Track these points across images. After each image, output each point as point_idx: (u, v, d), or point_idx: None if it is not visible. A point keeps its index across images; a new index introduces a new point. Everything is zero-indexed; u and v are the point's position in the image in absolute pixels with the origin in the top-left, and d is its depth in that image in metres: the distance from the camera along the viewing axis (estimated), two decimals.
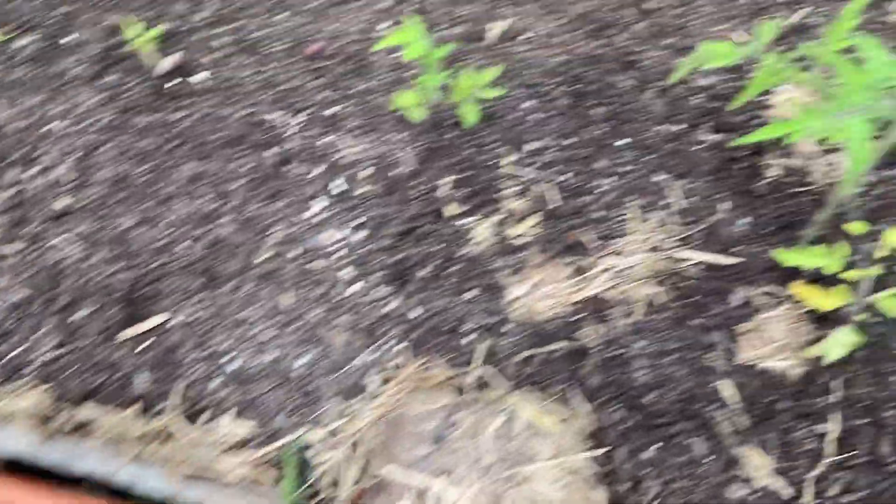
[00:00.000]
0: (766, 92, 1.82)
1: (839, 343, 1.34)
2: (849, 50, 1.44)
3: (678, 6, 2.00)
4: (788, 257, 1.30)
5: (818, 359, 1.43)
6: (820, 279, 1.46)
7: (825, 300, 1.32)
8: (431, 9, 2.00)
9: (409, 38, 1.46)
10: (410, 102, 1.55)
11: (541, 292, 1.64)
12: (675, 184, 1.75)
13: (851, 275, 1.31)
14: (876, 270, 1.30)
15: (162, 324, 1.67)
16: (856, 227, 1.30)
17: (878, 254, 1.29)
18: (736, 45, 1.31)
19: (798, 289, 1.37)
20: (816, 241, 1.59)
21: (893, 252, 1.41)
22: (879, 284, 1.47)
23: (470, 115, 1.59)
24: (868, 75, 1.02)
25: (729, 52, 1.30)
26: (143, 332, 1.66)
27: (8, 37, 1.92)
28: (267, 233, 1.75)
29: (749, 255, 1.63)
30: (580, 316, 1.62)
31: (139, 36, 1.75)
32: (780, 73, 1.22)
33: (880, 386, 1.43)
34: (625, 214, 1.72)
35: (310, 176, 1.79)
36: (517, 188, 1.76)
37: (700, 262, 1.63)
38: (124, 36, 1.78)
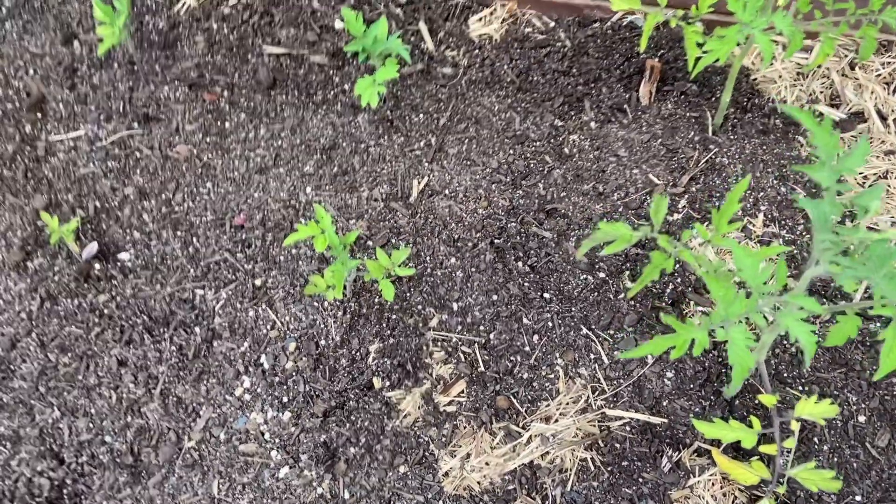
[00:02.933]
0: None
1: None
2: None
3: (594, 149, 2.06)
4: (708, 430, 1.30)
5: None
6: (741, 449, 1.46)
7: (746, 475, 1.31)
8: (355, 169, 2.04)
9: (315, 231, 1.48)
10: (324, 286, 1.56)
11: (472, 463, 1.62)
12: (601, 337, 1.76)
13: (767, 449, 1.31)
14: (790, 444, 1.31)
15: None
16: (768, 400, 1.30)
17: (792, 426, 1.29)
18: (631, 228, 1.34)
19: (720, 460, 1.36)
20: (738, 396, 1.59)
21: (806, 423, 1.42)
22: (804, 453, 1.47)
23: (387, 292, 1.60)
24: (733, 294, 1.04)
25: (627, 235, 1.33)
26: None
27: None
28: (196, 416, 1.72)
29: (676, 413, 1.63)
30: (513, 487, 1.59)
31: (57, 229, 1.75)
32: (669, 261, 1.24)
33: None
34: (552, 374, 1.72)
35: (237, 353, 1.78)
36: (443, 353, 1.76)
37: (630, 422, 1.63)
38: (48, 228, 1.80)
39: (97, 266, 1.89)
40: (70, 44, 2.23)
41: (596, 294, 1.83)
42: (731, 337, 1.06)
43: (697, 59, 1.71)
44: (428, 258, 1.90)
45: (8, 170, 2.02)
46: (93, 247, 1.85)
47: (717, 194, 1.93)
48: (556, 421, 1.65)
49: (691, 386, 1.66)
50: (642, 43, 1.77)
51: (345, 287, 1.76)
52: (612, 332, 1.77)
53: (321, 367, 1.76)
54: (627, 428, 1.63)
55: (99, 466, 1.67)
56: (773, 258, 1.65)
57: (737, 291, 1.05)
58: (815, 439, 1.60)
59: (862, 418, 1.62)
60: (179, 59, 2.21)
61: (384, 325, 1.80)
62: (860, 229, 0.98)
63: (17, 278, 1.88)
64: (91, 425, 1.71)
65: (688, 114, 2.08)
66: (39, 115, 2.12)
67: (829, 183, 0.99)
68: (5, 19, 2.30)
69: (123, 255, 1.92)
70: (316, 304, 1.83)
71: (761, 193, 1.91)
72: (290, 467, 1.65)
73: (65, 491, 1.66)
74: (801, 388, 1.66)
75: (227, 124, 2.12)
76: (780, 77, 2.11)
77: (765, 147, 2.01)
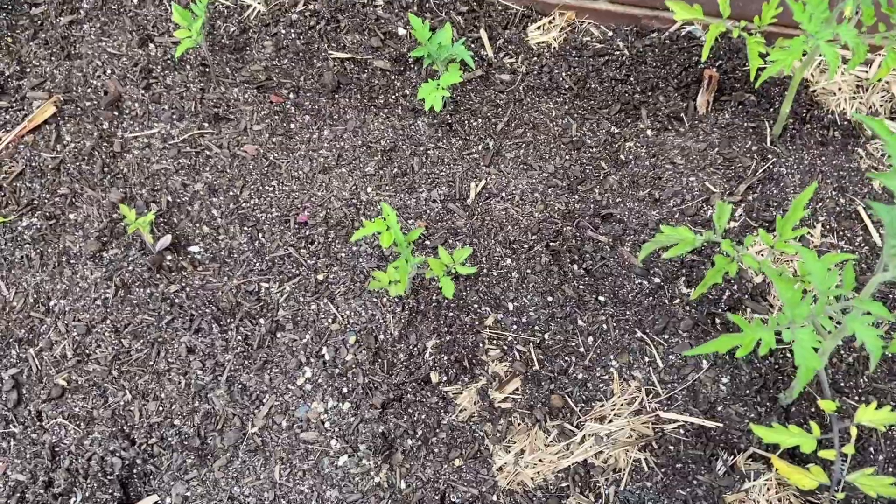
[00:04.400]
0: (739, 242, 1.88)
1: None
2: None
3: (650, 157, 2.08)
4: (766, 435, 1.32)
5: None
6: (799, 455, 1.47)
7: (804, 479, 1.33)
8: (414, 170, 2.10)
9: (381, 228, 1.54)
10: (387, 281, 1.62)
11: (526, 459, 1.65)
12: (656, 341, 1.78)
13: (827, 454, 1.32)
14: (849, 449, 1.32)
15: None
16: (827, 405, 1.32)
17: (851, 431, 1.30)
18: (695, 232, 1.37)
19: (779, 464, 1.38)
20: (794, 403, 1.60)
21: (862, 433, 1.43)
22: (859, 462, 1.48)
23: (447, 289, 1.65)
24: (800, 296, 1.06)
25: (690, 238, 1.36)
26: None
27: (11, 218, 2.03)
28: (259, 403, 1.79)
29: (731, 418, 1.65)
30: (567, 485, 1.62)
31: (135, 221, 1.84)
32: (732, 265, 1.27)
33: None
34: (607, 375, 1.75)
35: (299, 344, 1.85)
36: (499, 351, 1.80)
37: (684, 425, 1.65)
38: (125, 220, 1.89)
39: (169, 257, 1.97)
40: (146, 45, 2.34)
41: (651, 299, 1.85)
42: (798, 338, 1.08)
43: (760, 69, 1.73)
44: (484, 259, 1.95)
45: (86, 164, 2.12)
46: (166, 239, 1.94)
47: (775, 204, 1.94)
48: (611, 421, 1.68)
49: (747, 392, 1.67)
50: (704, 52, 1.79)
51: (402, 289, 1.82)
52: (666, 336, 1.80)
53: (380, 360, 1.81)
54: (682, 431, 1.65)
55: (167, 448, 1.75)
56: (837, 265, 1.66)
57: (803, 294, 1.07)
58: (871, 448, 1.60)
59: None
60: (248, 62, 2.30)
61: (441, 321, 1.84)
62: None
63: (94, 267, 1.97)
64: (161, 409, 1.79)
65: (745, 124, 2.09)
66: (116, 112, 2.22)
67: None
68: (84, 21, 2.42)
69: (193, 248, 2.00)
70: (375, 299, 1.89)
71: (819, 204, 1.92)
72: (349, 456, 1.71)
73: (135, 471, 1.74)
74: (857, 397, 1.66)
75: (292, 125, 2.20)
76: (840, 89, 2.11)
77: (823, 158, 2.01)
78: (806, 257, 1.08)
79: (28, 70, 2.31)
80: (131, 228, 1.86)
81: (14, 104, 2.24)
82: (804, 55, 1.67)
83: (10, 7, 2.43)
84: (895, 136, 1.04)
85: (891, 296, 1.78)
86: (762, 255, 1.82)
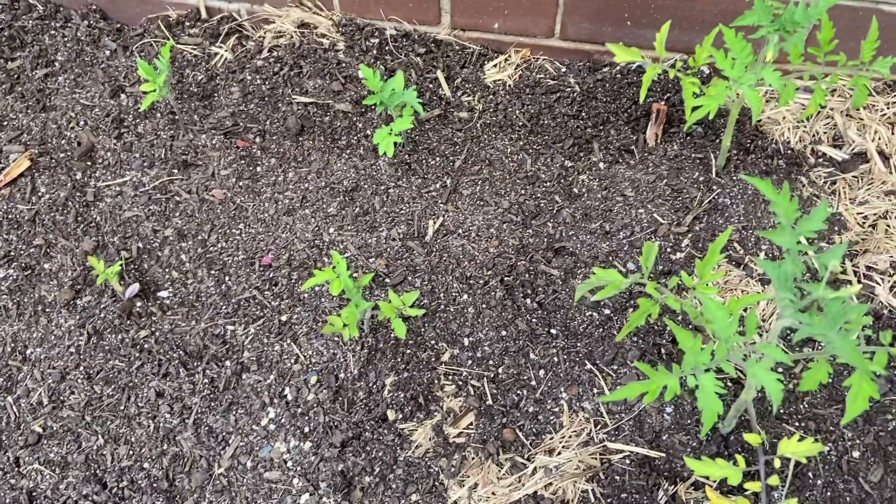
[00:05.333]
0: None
1: None
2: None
3: (602, 189, 2.15)
4: (697, 467, 1.39)
5: None
6: (730, 487, 1.54)
7: None
8: (375, 209, 2.17)
9: (331, 276, 1.61)
10: (340, 325, 1.69)
11: (480, 493, 1.72)
12: (605, 372, 1.85)
13: (752, 486, 1.38)
14: (773, 481, 1.38)
15: None
16: (753, 439, 1.38)
17: (776, 463, 1.37)
18: (622, 274, 1.43)
19: (711, 495, 1.44)
20: (732, 433, 1.67)
21: (788, 461, 1.49)
22: (798, 488, 1.54)
23: (399, 330, 1.73)
24: (699, 345, 1.13)
25: (618, 281, 1.43)
26: None
27: None
28: (225, 444, 1.86)
29: (675, 447, 1.71)
30: None
31: (104, 272, 1.93)
32: (655, 307, 1.34)
33: None
34: (557, 407, 1.82)
35: (263, 385, 1.92)
36: (454, 386, 1.87)
37: (630, 455, 1.71)
38: (94, 271, 1.97)
39: (139, 303, 2.05)
40: (117, 96, 2.43)
41: (601, 330, 1.92)
42: (701, 384, 1.15)
43: (695, 108, 1.81)
44: (441, 295, 2.02)
45: (60, 214, 2.21)
46: (134, 287, 2.02)
47: (719, 233, 2.01)
48: (559, 453, 1.74)
49: (689, 421, 1.73)
50: (642, 94, 1.87)
51: (362, 324, 1.89)
52: (615, 367, 1.86)
53: (340, 399, 1.88)
54: (627, 461, 1.71)
55: (137, 491, 1.82)
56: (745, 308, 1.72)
57: (705, 343, 1.14)
58: (810, 474, 1.66)
59: (856, 454, 1.68)
60: (216, 109, 2.39)
61: (399, 359, 1.92)
62: (820, 287, 1.06)
63: (68, 315, 2.05)
64: (131, 452, 1.86)
65: (692, 155, 2.17)
66: (89, 162, 2.31)
67: (789, 245, 1.08)
68: (59, 73, 2.52)
69: (163, 293, 2.08)
70: (336, 338, 1.96)
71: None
72: (311, 494, 1.77)
73: None
74: (797, 423, 1.72)
75: (258, 168, 2.28)
76: (784, 118, 2.18)
77: None
78: (707, 305, 1.15)
79: (5, 123, 2.40)
80: (100, 279, 1.94)
81: None
82: (738, 95, 1.74)
83: None
84: (780, 195, 1.11)
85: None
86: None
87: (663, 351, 1.86)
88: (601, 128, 2.27)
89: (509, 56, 2.44)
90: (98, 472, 1.85)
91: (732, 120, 1.94)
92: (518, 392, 1.85)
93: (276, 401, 1.90)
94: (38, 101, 2.44)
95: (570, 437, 1.77)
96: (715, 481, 1.59)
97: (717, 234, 2.00)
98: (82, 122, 2.39)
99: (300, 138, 2.33)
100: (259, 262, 2.11)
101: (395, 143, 2.05)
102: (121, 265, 1.97)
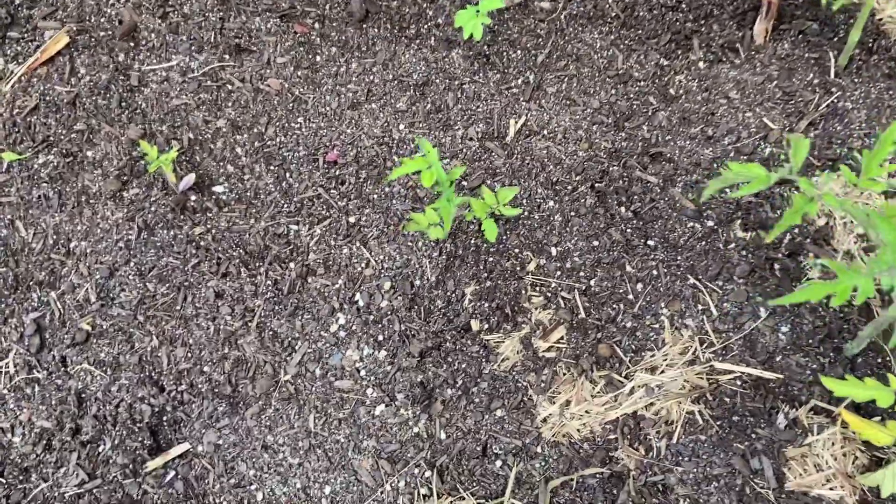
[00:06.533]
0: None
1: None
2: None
3: (702, 91, 1.94)
4: (838, 387, 1.23)
5: (873, 489, 1.35)
6: (866, 408, 1.38)
7: (879, 434, 1.24)
8: (449, 106, 1.97)
9: (422, 166, 1.42)
10: (426, 224, 1.52)
11: (572, 410, 1.58)
12: (709, 288, 1.68)
13: None
14: None
15: (187, 452, 1.64)
16: None
17: None
18: (768, 170, 1.25)
19: (850, 419, 1.29)
20: (861, 354, 1.51)
21: None
22: None
23: (489, 232, 1.55)
24: None
25: (763, 176, 1.24)
26: (169, 461, 1.63)
27: (26, 155, 1.93)
28: (291, 351, 1.72)
29: (791, 369, 1.56)
30: (615, 437, 1.55)
31: (157, 159, 1.74)
32: (812, 205, 1.15)
33: None
34: (657, 324, 1.66)
35: (331, 289, 1.76)
36: (542, 298, 1.70)
37: (741, 376, 1.56)
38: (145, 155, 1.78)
39: (193, 198, 1.88)
40: None
41: (704, 243, 1.74)
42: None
43: None
44: (525, 201, 1.84)
45: (103, 98, 2.01)
46: (190, 178, 1.84)
47: (839, 141, 1.80)
48: (662, 372, 1.59)
49: (809, 341, 1.57)
50: None
51: (442, 232, 1.71)
52: (720, 283, 1.69)
53: (416, 307, 1.72)
54: (738, 382, 1.56)
55: (198, 395, 1.69)
56: None
57: None
58: None
59: None
60: None
61: (481, 266, 1.75)
62: None
63: (115, 207, 1.88)
64: (189, 355, 1.72)
65: (807, 55, 1.94)
66: (132, 43, 2.09)
67: None
68: None
69: (218, 188, 1.90)
70: (410, 243, 1.79)
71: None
72: (386, 405, 1.64)
73: (165, 418, 1.68)
74: None
75: (318, 58, 2.07)
76: None
77: (891, 92, 1.86)
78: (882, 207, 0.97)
79: None
80: (153, 167, 1.76)
81: (25, 34, 2.11)
82: None
83: None
84: None
85: None
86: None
87: (776, 266, 1.68)
88: (703, 22, 2.04)
89: None
90: (153, 374, 1.71)
91: (866, 11, 1.71)
92: (613, 306, 1.68)
93: (345, 307, 1.74)
94: None
95: (674, 355, 1.61)
96: (845, 404, 1.44)
97: (835, 142, 1.80)
98: None
99: (364, 25, 2.10)
100: (323, 158, 1.92)
101: (483, 25, 1.82)
102: (176, 153, 1.79)
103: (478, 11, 1.82)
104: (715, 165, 1.83)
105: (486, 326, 1.67)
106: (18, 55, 2.08)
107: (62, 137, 1.96)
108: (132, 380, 1.71)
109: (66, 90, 2.02)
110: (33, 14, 2.15)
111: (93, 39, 2.09)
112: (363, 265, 1.79)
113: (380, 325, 1.71)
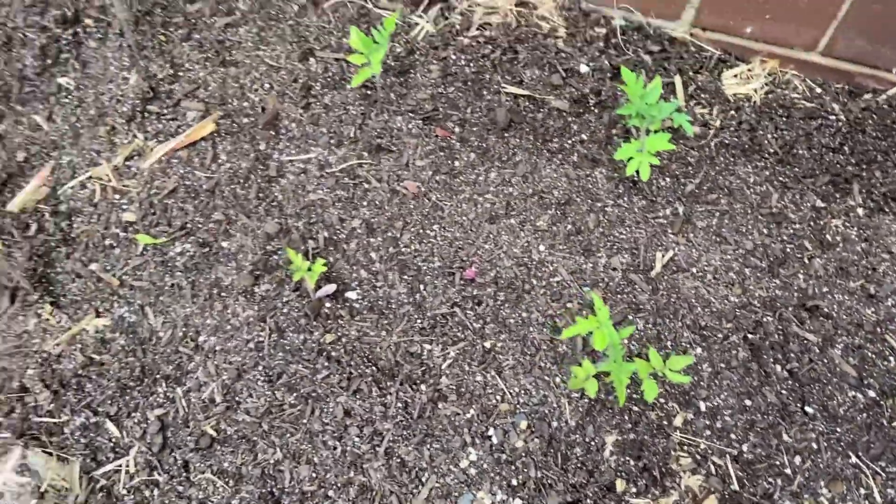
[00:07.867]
0: None
1: None
2: None
3: (861, 240, 1.84)
4: None
5: None
6: None
7: None
8: (590, 229, 1.90)
9: (593, 326, 1.35)
10: (583, 380, 1.44)
11: None
12: (872, 468, 1.57)
13: None
14: None
15: None
16: None
17: None
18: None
19: None
20: None
21: None
22: None
23: (649, 391, 1.47)
24: None
25: None
26: None
27: (161, 239, 1.92)
28: (419, 483, 1.65)
29: None
30: None
31: (303, 269, 1.70)
32: None
33: None
34: None
35: (463, 419, 1.69)
36: (691, 460, 1.61)
37: None
38: (291, 266, 1.74)
39: (328, 304, 1.83)
40: (306, 60, 2.18)
41: (865, 415, 1.63)
42: None
43: None
44: (669, 343, 1.75)
45: (241, 188, 1.99)
46: (331, 287, 1.80)
47: None
48: None
49: None
50: None
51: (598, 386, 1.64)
52: (883, 464, 1.58)
53: (553, 451, 1.64)
54: None
55: None
56: None
57: None
58: None
59: None
60: (412, 88, 2.12)
61: (623, 416, 1.66)
62: None
63: (246, 303, 1.85)
64: (314, 475, 1.66)
65: None
66: (273, 132, 2.08)
67: None
68: (240, 24, 2.28)
69: (351, 294, 1.86)
70: (547, 378, 1.72)
71: None
72: None
73: None
74: None
75: (456, 163, 2.03)
76: None
77: None
78: None
79: (181, 74, 2.19)
80: (297, 276, 1.72)
81: (166, 111, 2.12)
82: None
83: (166, 2, 2.30)
84: None
85: None
86: None
87: None
88: (865, 167, 1.94)
89: (753, 66, 2.11)
90: (275, 490, 1.66)
91: None
92: (769, 480, 1.58)
93: (477, 441, 1.67)
94: (217, 54, 2.22)
95: None
96: None
97: None
98: (266, 85, 2.15)
99: (506, 134, 2.06)
100: (460, 273, 1.87)
101: (651, 165, 1.76)
102: (323, 266, 1.75)
103: (640, 149, 1.75)
104: (878, 330, 1.73)
105: (634, 490, 1.58)
106: (159, 133, 2.09)
107: (200, 226, 1.94)
108: (253, 494, 1.66)
109: (206, 175, 2.01)
110: (174, 90, 2.16)
111: (235, 125, 2.09)
112: (498, 398, 1.72)
113: (513, 468, 1.64)
